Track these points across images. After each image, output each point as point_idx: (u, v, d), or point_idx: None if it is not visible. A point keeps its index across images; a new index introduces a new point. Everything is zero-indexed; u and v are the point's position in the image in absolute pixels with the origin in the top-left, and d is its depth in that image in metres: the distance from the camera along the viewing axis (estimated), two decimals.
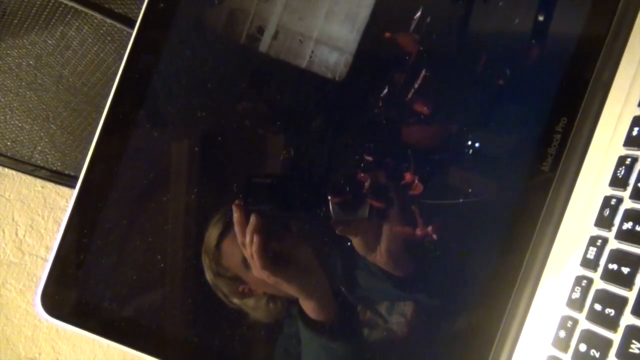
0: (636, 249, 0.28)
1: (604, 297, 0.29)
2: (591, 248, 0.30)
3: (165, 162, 0.38)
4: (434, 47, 0.35)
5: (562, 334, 0.30)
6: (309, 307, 0.36)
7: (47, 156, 0.70)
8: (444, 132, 0.36)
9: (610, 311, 0.28)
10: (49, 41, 0.60)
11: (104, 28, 0.59)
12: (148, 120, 0.37)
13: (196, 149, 0.38)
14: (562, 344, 0.30)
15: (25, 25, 0.59)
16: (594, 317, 0.29)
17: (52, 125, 0.68)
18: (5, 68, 0.62)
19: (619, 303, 0.28)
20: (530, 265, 0.33)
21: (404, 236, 0.35)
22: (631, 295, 0.28)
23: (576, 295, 0.30)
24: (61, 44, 0.61)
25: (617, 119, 0.31)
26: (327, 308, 0.36)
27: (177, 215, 0.38)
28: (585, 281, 0.30)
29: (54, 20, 0.59)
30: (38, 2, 0.57)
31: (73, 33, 0.60)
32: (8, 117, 0.66)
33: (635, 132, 0.30)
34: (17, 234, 0.84)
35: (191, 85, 0.38)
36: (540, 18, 0.34)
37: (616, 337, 0.28)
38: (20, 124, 0.67)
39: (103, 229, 0.37)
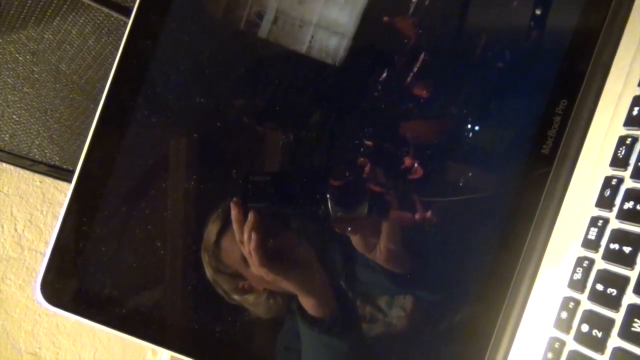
0: (637, 228, 0.28)
1: (606, 277, 0.29)
2: (592, 229, 0.30)
3: (164, 150, 0.38)
4: (433, 31, 0.35)
5: (564, 315, 0.30)
6: (308, 304, 0.36)
7: (45, 150, 0.70)
8: (444, 115, 0.35)
9: (612, 291, 0.28)
10: (46, 35, 0.60)
11: (101, 19, 0.59)
12: (146, 107, 0.37)
13: (195, 136, 0.38)
14: (564, 325, 0.30)
15: (22, 17, 0.58)
16: (595, 297, 0.29)
17: (50, 120, 0.67)
18: (2, 62, 0.62)
19: (621, 282, 0.28)
20: (532, 248, 0.33)
21: (404, 222, 0.35)
22: (633, 275, 0.28)
23: (578, 276, 0.30)
24: (58, 37, 0.61)
25: (617, 99, 0.31)
26: (326, 305, 0.36)
27: (176, 206, 0.37)
28: (586, 262, 0.30)
29: (49, 11, 0.58)
30: None
31: (69, 25, 0.60)
32: (5, 111, 0.66)
33: (635, 112, 0.30)
34: (16, 229, 0.84)
35: (189, 73, 0.37)
36: None
37: (618, 317, 0.27)
38: (18, 119, 0.67)
39: (102, 218, 0.37)
